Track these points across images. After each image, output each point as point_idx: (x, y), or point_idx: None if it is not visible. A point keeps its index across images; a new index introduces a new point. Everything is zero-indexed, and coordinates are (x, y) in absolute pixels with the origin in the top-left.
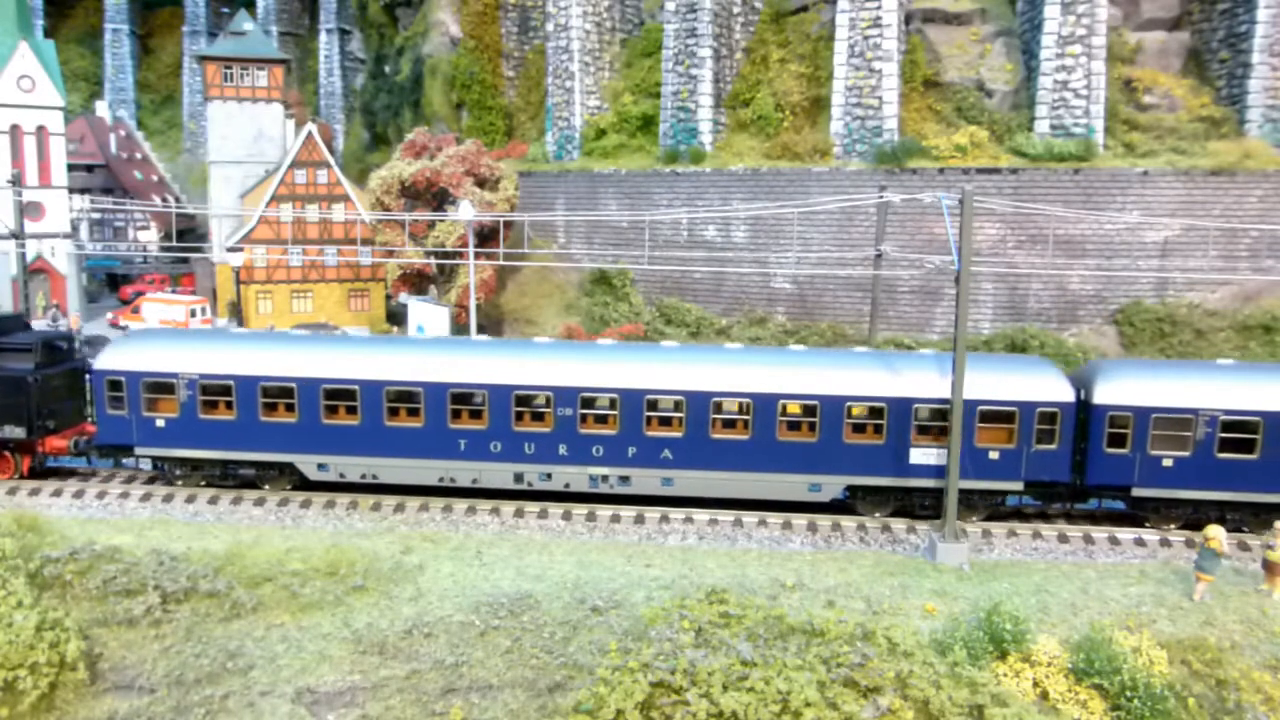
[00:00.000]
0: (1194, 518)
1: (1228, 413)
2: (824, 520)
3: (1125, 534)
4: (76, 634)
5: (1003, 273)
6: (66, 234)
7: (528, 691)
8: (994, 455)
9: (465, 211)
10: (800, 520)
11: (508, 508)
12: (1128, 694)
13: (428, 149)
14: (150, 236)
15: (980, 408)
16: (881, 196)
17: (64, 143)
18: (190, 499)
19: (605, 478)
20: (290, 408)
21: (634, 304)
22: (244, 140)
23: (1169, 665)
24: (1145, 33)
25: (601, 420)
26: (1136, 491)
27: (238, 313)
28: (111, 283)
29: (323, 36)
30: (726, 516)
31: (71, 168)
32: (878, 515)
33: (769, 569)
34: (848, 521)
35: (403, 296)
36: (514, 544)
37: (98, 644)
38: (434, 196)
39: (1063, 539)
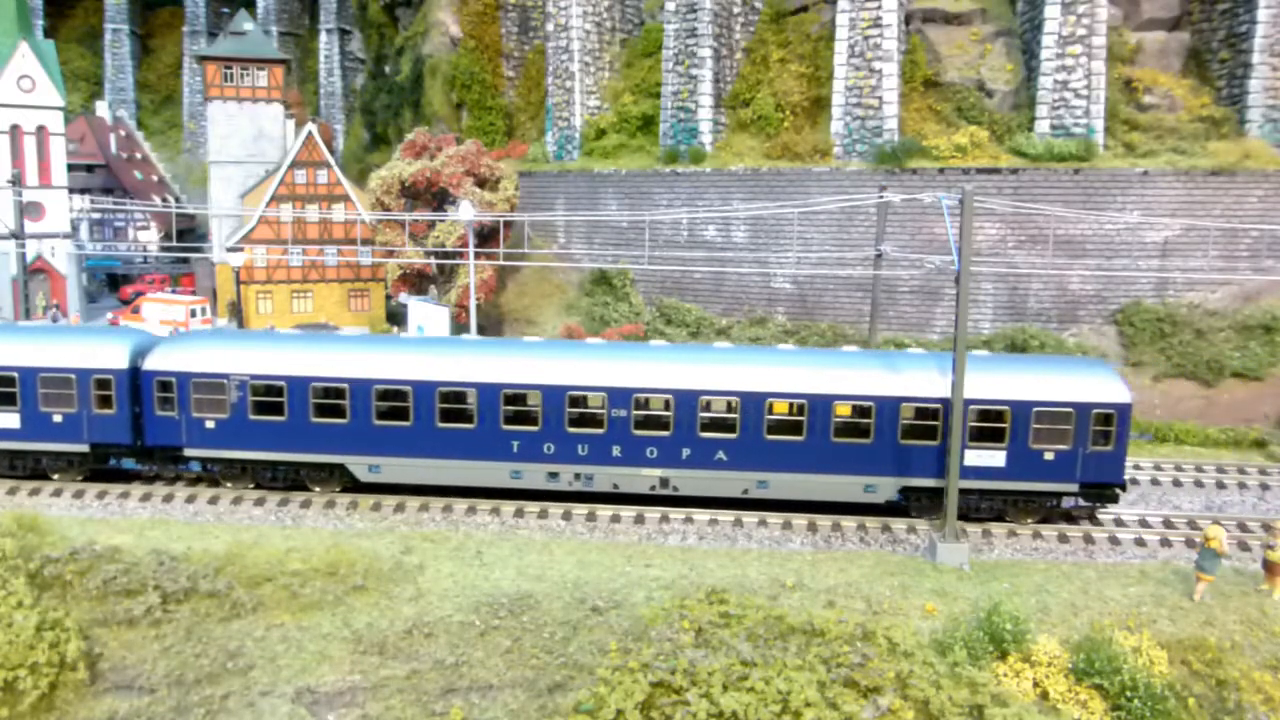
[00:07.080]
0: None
1: (255, 377)
2: (824, 520)
3: (1125, 534)
4: (76, 634)
5: (1003, 273)
6: (66, 234)
7: (528, 691)
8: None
9: (465, 211)
10: (800, 520)
11: (508, 507)
12: (1128, 694)
13: (428, 149)
14: (150, 236)
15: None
16: (881, 196)
17: (64, 143)
18: (190, 499)
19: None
20: None
21: (634, 304)
22: (244, 140)
23: (1169, 665)
24: (1145, 33)
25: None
26: None
27: (238, 313)
28: (111, 283)
29: (323, 36)
30: (726, 516)
31: (71, 168)
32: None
33: (769, 569)
34: (848, 521)
35: (403, 296)
36: (514, 544)
37: (98, 644)
38: (434, 196)
39: (1063, 539)
